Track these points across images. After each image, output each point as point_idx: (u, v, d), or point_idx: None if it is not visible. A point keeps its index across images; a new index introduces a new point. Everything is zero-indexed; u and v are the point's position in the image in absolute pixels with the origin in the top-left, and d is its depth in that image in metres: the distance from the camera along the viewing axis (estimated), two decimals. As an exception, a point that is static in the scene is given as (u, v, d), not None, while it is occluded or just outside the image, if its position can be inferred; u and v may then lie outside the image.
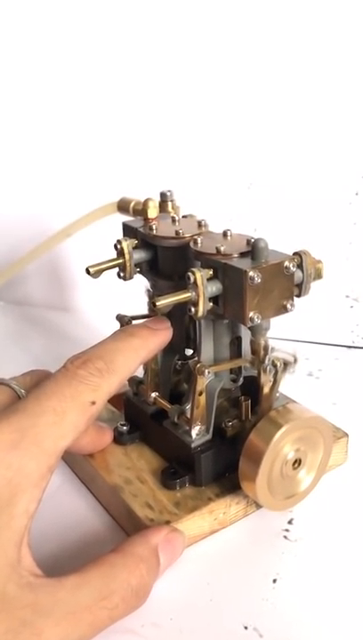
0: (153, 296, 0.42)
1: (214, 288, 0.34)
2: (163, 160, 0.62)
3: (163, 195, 0.47)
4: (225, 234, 0.37)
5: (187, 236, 0.38)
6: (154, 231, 0.39)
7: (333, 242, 0.58)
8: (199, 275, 0.34)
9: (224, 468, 0.39)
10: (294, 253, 0.35)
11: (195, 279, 0.34)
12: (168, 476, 0.39)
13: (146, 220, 0.42)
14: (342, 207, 0.58)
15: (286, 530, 0.38)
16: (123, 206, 0.52)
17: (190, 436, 0.38)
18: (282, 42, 0.56)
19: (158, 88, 0.61)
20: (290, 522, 0.38)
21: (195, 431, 0.37)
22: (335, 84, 0.55)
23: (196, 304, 0.34)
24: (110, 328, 0.38)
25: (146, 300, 0.45)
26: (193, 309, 0.34)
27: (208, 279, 0.34)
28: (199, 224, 0.40)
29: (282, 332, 0.37)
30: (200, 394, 0.37)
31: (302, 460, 0.37)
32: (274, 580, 0.34)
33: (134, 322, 0.45)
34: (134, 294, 0.45)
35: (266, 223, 0.57)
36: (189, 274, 0.34)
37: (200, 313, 0.34)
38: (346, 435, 0.42)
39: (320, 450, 0.38)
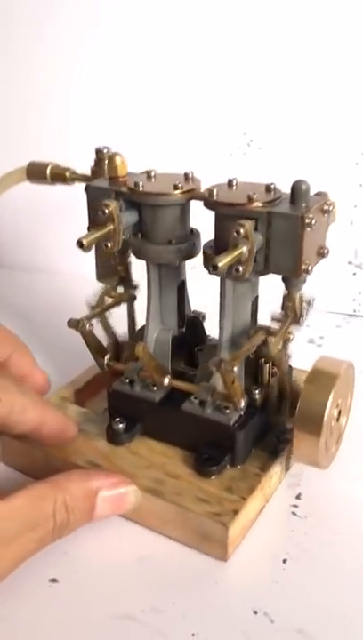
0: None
1: (257, 241, 0.30)
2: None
3: (98, 152, 0.40)
4: (230, 183, 0.33)
5: (189, 189, 0.33)
6: (141, 188, 0.33)
7: (336, 204, 0.54)
8: (249, 226, 0.29)
9: (256, 439, 0.36)
10: (317, 194, 0.33)
11: (246, 232, 0.29)
12: (204, 464, 0.34)
13: (115, 178, 0.35)
14: (347, 167, 0.53)
15: (295, 505, 0.35)
16: (35, 172, 0.44)
17: (224, 413, 0.34)
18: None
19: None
20: (298, 497, 0.36)
21: (240, 406, 0.33)
22: (342, 37, 0.50)
23: (245, 262, 0.30)
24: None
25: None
26: (241, 269, 0.30)
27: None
28: (186, 177, 0.35)
29: (280, 299, 0.34)
30: (233, 382, 0.33)
31: (342, 410, 0.36)
32: (284, 561, 0.32)
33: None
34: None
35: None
36: (239, 227, 0.29)
37: (248, 272, 0.30)
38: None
39: (350, 394, 0.37)
